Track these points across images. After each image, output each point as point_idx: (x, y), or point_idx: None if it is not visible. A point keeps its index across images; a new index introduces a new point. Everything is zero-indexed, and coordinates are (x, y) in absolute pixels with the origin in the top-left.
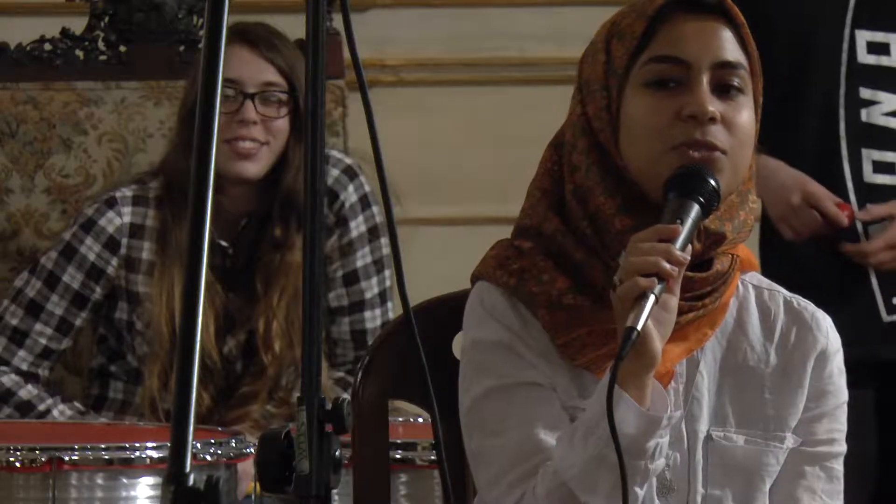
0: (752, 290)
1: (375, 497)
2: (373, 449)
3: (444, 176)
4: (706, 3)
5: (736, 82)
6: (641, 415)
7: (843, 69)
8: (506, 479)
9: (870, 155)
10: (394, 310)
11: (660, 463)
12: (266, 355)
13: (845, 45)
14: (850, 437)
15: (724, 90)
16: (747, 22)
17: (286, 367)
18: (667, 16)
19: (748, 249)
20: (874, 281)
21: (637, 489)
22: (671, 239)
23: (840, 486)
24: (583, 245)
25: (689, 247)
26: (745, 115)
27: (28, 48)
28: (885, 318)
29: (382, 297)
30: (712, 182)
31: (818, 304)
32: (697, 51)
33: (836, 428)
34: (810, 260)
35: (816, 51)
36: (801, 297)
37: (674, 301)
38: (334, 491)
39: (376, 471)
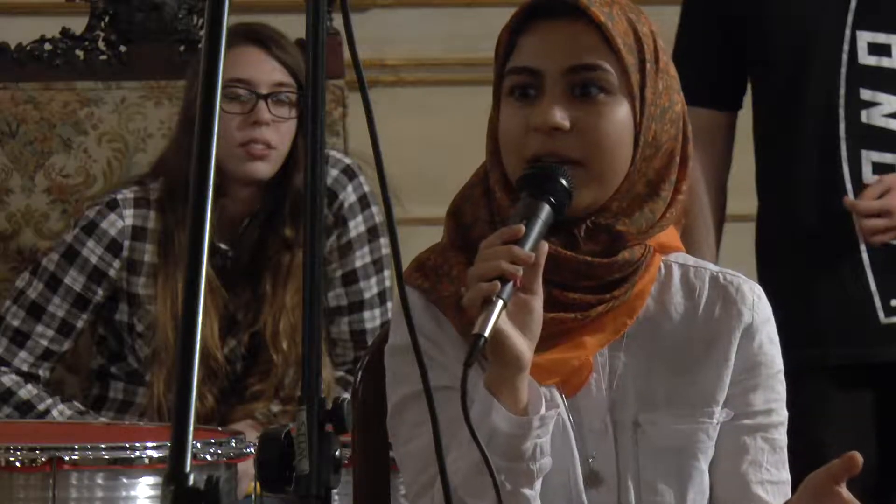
0: (676, 269)
1: (375, 497)
2: (373, 449)
3: (444, 176)
4: (560, 8)
5: (598, 83)
6: (512, 419)
7: (844, 70)
8: (414, 486)
9: (869, 156)
10: (393, 310)
11: (545, 462)
12: (276, 354)
13: (846, 46)
14: (848, 439)
15: (584, 93)
16: (748, 22)
17: (292, 366)
18: (528, 25)
19: (673, 232)
20: (872, 283)
21: (526, 490)
22: (515, 240)
23: (784, 455)
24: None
25: (544, 244)
26: (612, 115)
27: (28, 48)
28: (883, 319)
29: (382, 297)
30: (562, 181)
31: (816, 306)
32: (547, 58)
33: (772, 398)
34: (807, 263)
35: (816, 51)
36: (730, 271)
37: (536, 301)
38: (334, 491)
39: (376, 471)
